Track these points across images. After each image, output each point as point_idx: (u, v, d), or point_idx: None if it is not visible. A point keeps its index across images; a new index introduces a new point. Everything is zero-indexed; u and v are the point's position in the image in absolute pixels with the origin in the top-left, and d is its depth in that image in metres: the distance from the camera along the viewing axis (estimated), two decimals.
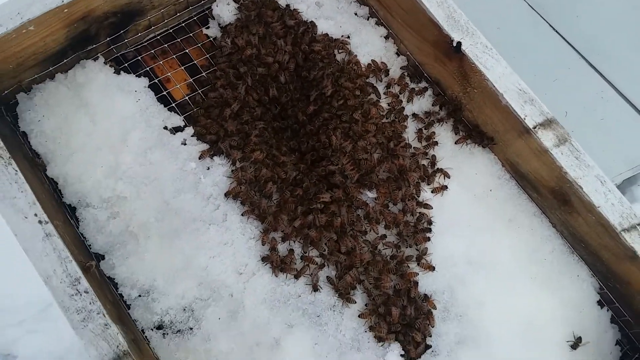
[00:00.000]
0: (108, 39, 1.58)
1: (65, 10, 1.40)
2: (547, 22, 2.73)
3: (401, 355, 1.38)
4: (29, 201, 1.18)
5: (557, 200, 1.48)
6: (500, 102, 1.46)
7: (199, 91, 1.62)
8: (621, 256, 1.39)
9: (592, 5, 2.75)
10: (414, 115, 1.64)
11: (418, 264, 1.46)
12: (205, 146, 1.50)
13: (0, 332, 2.01)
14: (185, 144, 1.49)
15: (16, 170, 1.22)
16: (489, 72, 1.47)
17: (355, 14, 1.75)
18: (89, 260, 1.26)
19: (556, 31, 2.74)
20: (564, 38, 2.73)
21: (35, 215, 1.17)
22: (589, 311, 1.50)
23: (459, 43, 1.49)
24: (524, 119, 1.43)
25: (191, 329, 1.36)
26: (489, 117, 1.55)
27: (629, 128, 2.63)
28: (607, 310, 1.51)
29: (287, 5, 1.70)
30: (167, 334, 1.35)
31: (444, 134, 1.64)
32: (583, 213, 1.42)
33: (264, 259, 1.40)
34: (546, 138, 1.42)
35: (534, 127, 1.42)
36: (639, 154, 2.66)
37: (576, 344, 1.45)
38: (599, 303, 1.51)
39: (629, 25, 2.69)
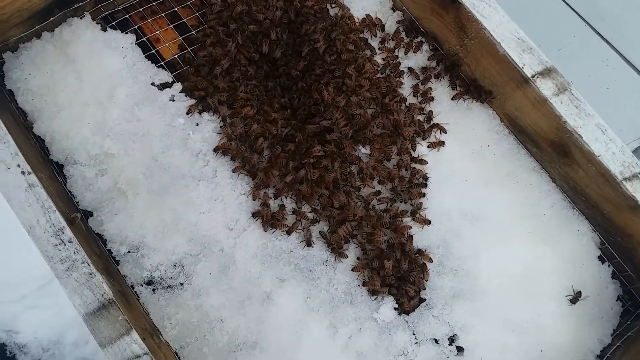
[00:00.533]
0: None
1: None
2: None
3: (394, 309, 1.35)
4: (11, 152, 1.16)
5: (556, 153, 1.44)
6: (498, 51, 1.41)
7: (189, 50, 1.59)
8: (622, 207, 1.35)
9: None
10: (410, 70, 1.59)
11: (413, 219, 1.43)
12: (193, 102, 1.47)
13: (1, 308, 2.01)
14: (173, 100, 1.46)
15: None
16: (486, 20, 1.42)
17: None
18: (74, 212, 1.24)
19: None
20: (568, 4, 2.66)
21: (18, 166, 1.15)
22: (589, 266, 1.46)
23: None
24: (522, 67, 1.38)
25: (182, 284, 1.34)
26: (487, 70, 1.50)
27: (635, 96, 2.56)
28: (609, 265, 1.48)
29: None
30: (157, 289, 1.33)
31: (440, 89, 1.59)
32: (583, 164, 1.38)
33: (255, 215, 1.38)
34: (545, 87, 1.37)
35: (533, 76, 1.38)
36: None
37: (575, 298, 1.42)
38: (600, 258, 1.48)
39: None
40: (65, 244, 1.11)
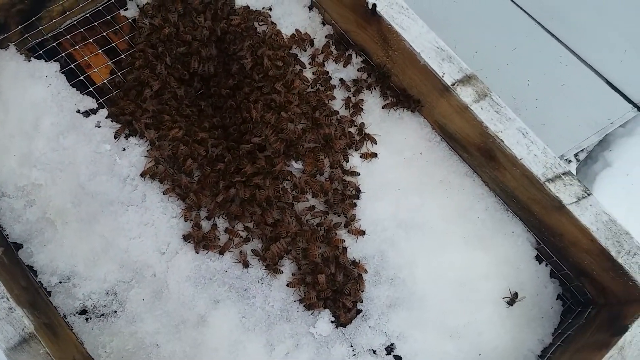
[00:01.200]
0: (20, 27, 1.54)
1: None
2: None
3: (331, 322, 1.36)
4: None
5: (484, 157, 1.47)
6: (419, 61, 1.44)
7: (118, 74, 1.59)
8: (549, 207, 1.37)
9: None
10: (342, 81, 1.61)
11: (348, 231, 1.44)
12: (119, 127, 1.47)
13: None
14: (99, 127, 1.46)
15: None
16: (405, 32, 1.44)
17: None
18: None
19: (511, 0, 2.73)
20: (518, 5, 2.72)
21: None
22: (527, 267, 1.48)
23: (374, 5, 1.46)
24: (442, 76, 1.41)
25: (115, 311, 1.33)
26: (412, 79, 1.52)
27: (590, 91, 2.60)
28: (546, 265, 1.50)
29: None
30: (91, 318, 1.32)
31: (372, 100, 1.61)
32: (509, 167, 1.40)
33: (186, 237, 1.38)
34: (465, 94, 1.39)
35: (453, 84, 1.40)
36: (603, 116, 2.64)
37: (512, 300, 1.43)
38: (537, 258, 1.50)
39: None
40: None
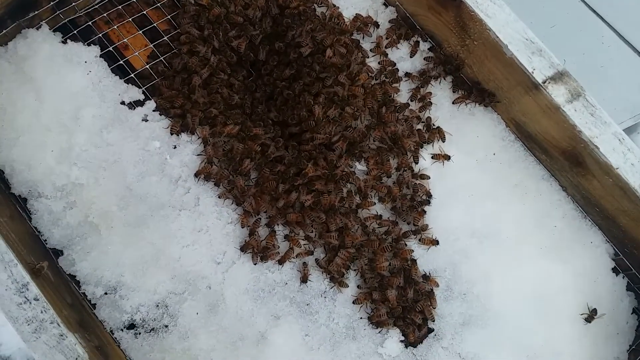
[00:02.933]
0: (52, 3, 1.38)
1: None
2: None
3: (401, 341, 1.25)
4: None
5: (568, 162, 1.33)
6: (505, 54, 1.29)
7: (162, 58, 1.43)
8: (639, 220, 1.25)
9: None
10: (407, 74, 1.46)
11: (419, 240, 1.32)
12: (169, 122, 1.33)
13: None
14: (146, 120, 1.32)
15: None
16: (491, 20, 1.29)
17: None
18: (40, 260, 1.10)
19: None
20: None
21: None
22: (604, 279, 1.38)
23: None
24: (532, 72, 1.26)
25: (166, 326, 1.22)
26: (492, 73, 1.37)
27: (630, 74, 2.47)
28: (623, 277, 1.39)
29: None
30: (140, 333, 1.21)
31: (440, 93, 1.47)
32: (599, 175, 1.27)
33: (243, 248, 1.25)
34: (557, 93, 1.25)
35: (544, 82, 1.25)
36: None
37: (591, 316, 1.33)
38: (614, 270, 1.39)
39: None
40: (30, 302, 0.98)
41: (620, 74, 2.44)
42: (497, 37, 1.27)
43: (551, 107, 1.26)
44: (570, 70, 2.60)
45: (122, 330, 1.21)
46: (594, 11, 2.44)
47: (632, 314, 1.39)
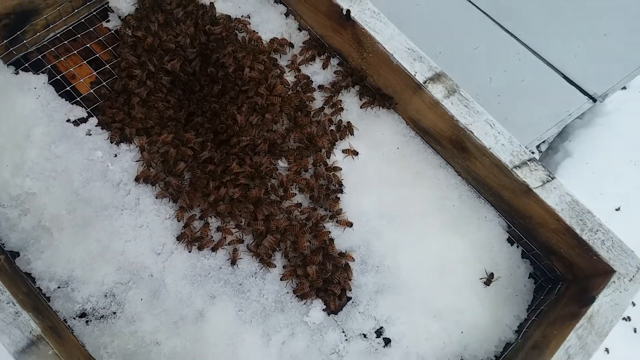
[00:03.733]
0: (5, 41, 1.58)
1: None
2: None
3: (323, 310, 1.44)
4: None
5: (456, 149, 1.57)
6: (392, 62, 1.54)
7: (104, 83, 1.63)
8: (517, 192, 1.49)
9: None
10: (320, 86, 1.70)
11: (336, 221, 1.52)
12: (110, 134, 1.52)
13: None
14: (90, 135, 1.51)
15: None
16: (379, 35, 1.54)
17: None
18: None
19: (470, 2, 2.86)
20: (477, 7, 2.85)
21: None
22: (499, 249, 1.60)
23: (348, 11, 1.56)
24: (415, 75, 1.51)
25: (114, 313, 1.37)
26: (387, 79, 1.62)
27: (548, 85, 2.75)
28: (517, 246, 1.61)
29: None
30: (91, 320, 1.36)
31: (349, 100, 1.71)
32: (479, 157, 1.52)
33: (179, 238, 1.44)
34: (436, 91, 1.50)
35: (424, 82, 1.51)
36: (561, 109, 2.80)
37: (489, 280, 1.54)
38: (509, 240, 1.61)
39: None
40: None
41: (539, 86, 2.74)
42: (385, 48, 1.52)
43: (433, 102, 1.51)
44: (497, 87, 2.92)
45: (74, 318, 1.36)
46: (509, 32, 2.74)
47: (529, 278, 1.61)
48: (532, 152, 3.83)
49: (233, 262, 1.43)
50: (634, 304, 2.33)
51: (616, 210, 3.67)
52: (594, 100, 2.68)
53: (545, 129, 3.07)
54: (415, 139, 1.68)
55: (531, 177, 1.44)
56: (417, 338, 1.46)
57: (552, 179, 1.44)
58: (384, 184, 1.60)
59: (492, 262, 1.58)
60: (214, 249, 1.44)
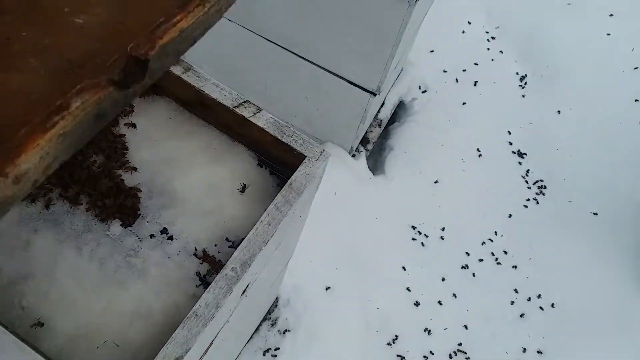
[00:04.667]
0: None
1: None
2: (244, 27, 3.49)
3: (121, 225, 2.06)
4: None
5: (202, 107, 2.32)
6: None
7: None
8: (241, 123, 2.24)
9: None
10: None
11: (124, 169, 2.18)
12: None
13: None
14: None
15: None
16: None
17: None
18: None
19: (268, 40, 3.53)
20: (270, 40, 3.55)
21: None
22: (254, 171, 2.32)
23: None
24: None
25: None
26: None
27: (344, 92, 3.59)
28: (265, 167, 2.36)
29: None
30: None
31: None
32: (217, 109, 2.27)
33: None
34: (177, 70, 2.26)
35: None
36: (359, 108, 3.66)
37: (243, 189, 2.26)
38: (259, 165, 2.35)
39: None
40: None
41: (338, 95, 3.59)
42: None
43: (175, 77, 2.26)
44: (313, 103, 3.74)
45: None
46: (304, 58, 3.54)
47: (277, 186, 2.34)
48: (360, 151, 4.80)
49: (47, 206, 2.03)
50: None
51: (435, 182, 4.72)
52: (373, 94, 3.46)
53: (355, 126, 3.97)
54: (184, 112, 2.41)
55: (246, 111, 2.21)
56: (192, 231, 2.11)
57: (260, 110, 2.22)
58: (164, 145, 2.30)
59: (248, 181, 2.31)
60: (32, 200, 2.04)
